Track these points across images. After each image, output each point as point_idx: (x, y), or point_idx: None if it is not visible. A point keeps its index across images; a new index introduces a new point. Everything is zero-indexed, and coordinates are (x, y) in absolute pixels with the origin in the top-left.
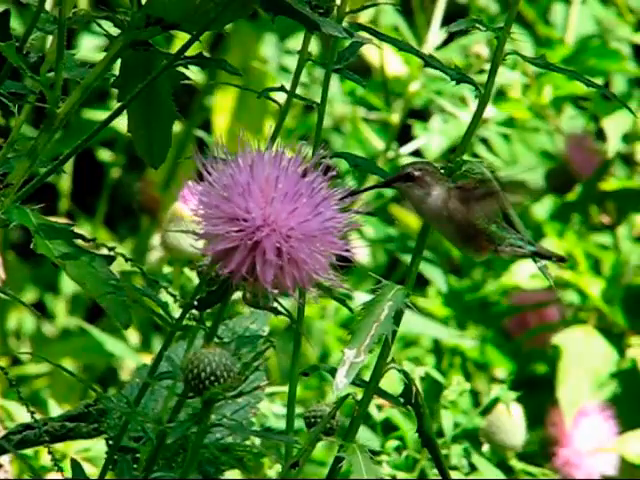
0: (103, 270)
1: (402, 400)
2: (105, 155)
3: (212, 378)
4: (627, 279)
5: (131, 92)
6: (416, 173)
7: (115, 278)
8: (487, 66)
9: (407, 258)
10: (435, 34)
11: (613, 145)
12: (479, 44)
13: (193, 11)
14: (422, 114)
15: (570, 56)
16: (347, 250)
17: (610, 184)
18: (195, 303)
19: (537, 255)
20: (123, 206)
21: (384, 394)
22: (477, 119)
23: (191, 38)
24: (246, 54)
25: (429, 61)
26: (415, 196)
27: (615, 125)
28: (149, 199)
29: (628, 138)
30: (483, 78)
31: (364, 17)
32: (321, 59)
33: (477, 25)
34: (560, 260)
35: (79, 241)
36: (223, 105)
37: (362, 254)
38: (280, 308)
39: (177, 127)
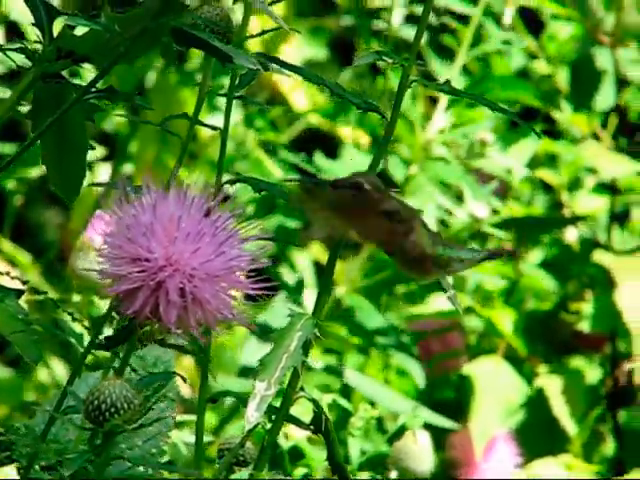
0: (12, 304)
1: (312, 428)
2: (10, 184)
3: (112, 410)
4: (529, 306)
5: (43, 124)
6: (365, 185)
7: (24, 312)
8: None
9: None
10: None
11: (518, 173)
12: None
13: (103, 44)
14: None
15: (471, 84)
16: (253, 289)
17: (513, 210)
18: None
19: (491, 256)
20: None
21: (295, 421)
22: (384, 147)
23: (101, 71)
24: (169, 103)
25: (334, 89)
26: (358, 210)
27: (519, 153)
28: (67, 247)
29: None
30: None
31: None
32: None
33: (383, 57)
34: (512, 254)
35: None
36: (145, 152)
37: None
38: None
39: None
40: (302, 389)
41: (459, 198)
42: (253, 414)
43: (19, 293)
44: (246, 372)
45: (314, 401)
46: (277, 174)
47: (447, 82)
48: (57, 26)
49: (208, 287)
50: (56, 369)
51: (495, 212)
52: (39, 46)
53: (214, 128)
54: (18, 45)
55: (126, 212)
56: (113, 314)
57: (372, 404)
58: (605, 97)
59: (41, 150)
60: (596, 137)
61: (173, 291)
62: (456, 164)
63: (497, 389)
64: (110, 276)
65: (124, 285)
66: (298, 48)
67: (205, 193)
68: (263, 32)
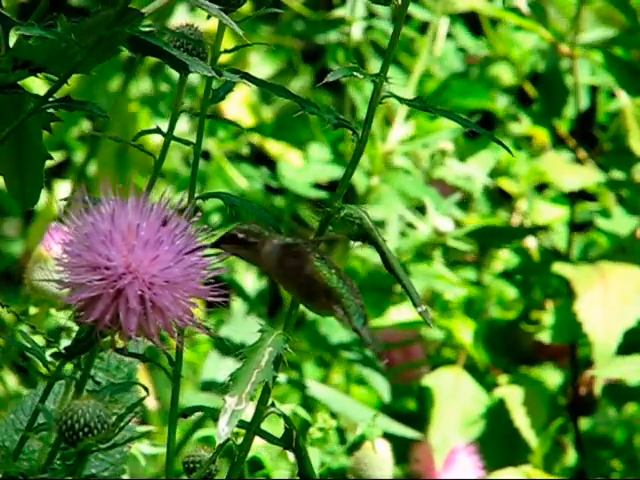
0: None
1: (283, 444)
2: None
3: (86, 429)
4: (489, 315)
5: (1, 135)
6: (239, 235)
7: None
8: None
9: None
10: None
11: (478, 183)
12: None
13: (59, 54)
14: None
15: (433, 93)
16: (212, 295)
17: (472, 220)
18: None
19: (359, 333)
20: None
21: (267, 436)
22: (355, 163)
23: (58, 81)
24: (126, 129)
25: (303, 104)
26: (244, 256)
27: (479, 164)
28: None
29: (491, 174)
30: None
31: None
32: None
33: (355, 73)
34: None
35: None
36: (103, 172)
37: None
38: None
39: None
40: (273, 405)
41: (421, 210)
42: (224, 429)
43: None
44: (208, 386)
45: (285, 417)
46: (240, 183)
47: (418, 98)
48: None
49: (168, 294)
50: (9, 381)
51: (459, 225)
52: None
53: (188, 143)
54: None
55: (85, 221)
56: (71, 324)
57: (333, 415)
58: (571, 105)
59: None
60: (564, 144)
61: (133, 298)
62: (417, 175)
63: (457, 400)
64: (70, 285)
65: (84, 293)
66: (258, 65)
67: (163, 202)
68: (236, 47)
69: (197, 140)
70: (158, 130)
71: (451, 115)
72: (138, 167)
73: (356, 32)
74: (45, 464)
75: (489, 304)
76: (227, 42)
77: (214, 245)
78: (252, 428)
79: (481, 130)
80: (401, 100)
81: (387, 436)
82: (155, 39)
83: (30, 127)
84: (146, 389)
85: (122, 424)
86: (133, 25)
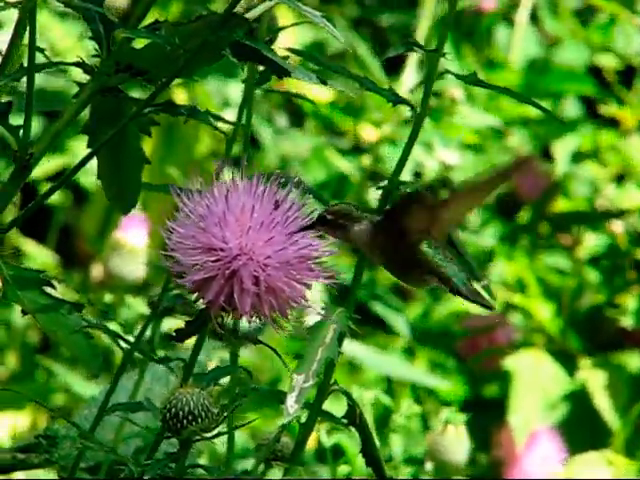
0: (73, 318)
1: (345, 421)
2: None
3: (190, 417)
4: (586, 301)
5: (100, 138)
6: (328, 216)
7: (84, 325)
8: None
9: None
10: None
11: (561, 167)
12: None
13: (163, 58)
14: None
15: (522, 80)
16: (324, 277)
17: (560, 205)
18: (173, 334)
19: (473, 301)
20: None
21: (328, 416)
22: (413, 139)
23: (162, 84)
24: None
25: (363, 82)
26: (336, 237)
27: (562, 147)
28: (81, 252)
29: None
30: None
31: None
32: None
33: (414, 47)
34: (488, 307)
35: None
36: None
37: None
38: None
39: None
40: (335, 382)
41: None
42: (292, 405)
43: (79, 307)
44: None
45: (347, 394)
46: (337, 162)
47: (473, 74)
48: None
49: (281, 275)
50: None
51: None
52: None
53: (237, 124)
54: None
55: (197, 202)
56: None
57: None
58: None
59: (97, 164)
60: None
61: (247, 279)
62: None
63: (537, 383)
64: (183, 267)
65: (198, 275)
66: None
67: (275, 183)
68: (282, 28)
69: (247, 119)
70: (220, 117)
71: (508, 92)
72: (185, 145)
73: None
74: (149, 453)
75: (576, 289)
76: None
77: (308, 228)
78: (316, 406)
79: (540, 106)
80: (457, 76)
81: (469, 423)
82: (260, 45)
83: (129, 131)
84: (249, 373)
85: (226, 413)
86: (239, 30)
